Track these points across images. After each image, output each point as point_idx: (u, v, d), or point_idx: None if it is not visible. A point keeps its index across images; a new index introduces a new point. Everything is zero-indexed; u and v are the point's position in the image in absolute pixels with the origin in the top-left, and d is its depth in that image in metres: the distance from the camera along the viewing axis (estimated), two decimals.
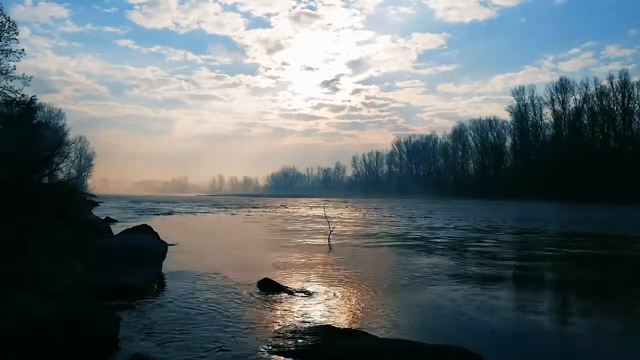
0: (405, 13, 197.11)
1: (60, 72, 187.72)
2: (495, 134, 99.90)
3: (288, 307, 5.67)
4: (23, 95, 28.59)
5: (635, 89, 75.31)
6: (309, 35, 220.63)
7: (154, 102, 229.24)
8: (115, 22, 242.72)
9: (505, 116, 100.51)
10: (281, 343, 4.20)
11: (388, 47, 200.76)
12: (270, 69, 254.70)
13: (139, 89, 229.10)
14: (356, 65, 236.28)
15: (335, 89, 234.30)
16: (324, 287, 6.82)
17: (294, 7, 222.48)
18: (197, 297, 6.07)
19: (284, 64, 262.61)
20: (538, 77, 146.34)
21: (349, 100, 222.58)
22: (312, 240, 14.06)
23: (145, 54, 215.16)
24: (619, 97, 76.25)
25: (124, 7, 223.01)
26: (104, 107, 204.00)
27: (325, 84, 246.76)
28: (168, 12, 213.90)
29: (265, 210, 39.31)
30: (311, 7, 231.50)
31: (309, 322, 4.92)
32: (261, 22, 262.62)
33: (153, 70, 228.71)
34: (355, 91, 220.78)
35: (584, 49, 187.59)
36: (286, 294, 6.30)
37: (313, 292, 6.44)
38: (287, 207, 45.04)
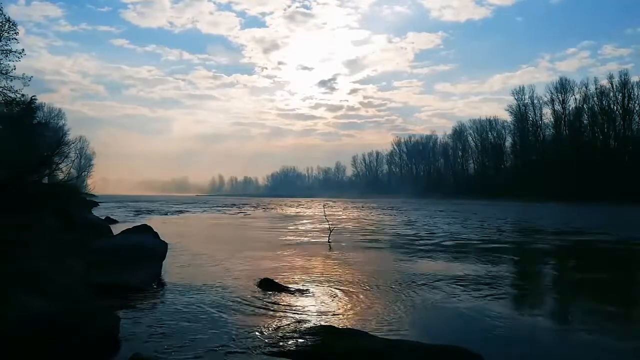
0: (400, 12, 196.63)
1: (56, 72, 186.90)
2: (495, 134, 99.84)
3: (288, 307, 5.66)
4: (23, 95, 28.63)
5: (635, 89, 75.27)
6: (305, 35, 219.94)
7: (151, 101, 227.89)
8: (109, 22, 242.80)
9: (504, 115, 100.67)
10: (281, 343, 4.20)
11: (384, 47, 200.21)
12: (266, 68, 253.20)
13: (135, 89, 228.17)
14: (353, 64, 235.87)
15: (333, 89, 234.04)
16: (324, 287, 6.82)
17: (289, 7, 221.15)
18: (197, 297, 6.07)
19: (280, 63, 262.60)
20: (535, 76, 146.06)
21: (347, 100, 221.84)
22: (312, 239, 14.06)
23: (140, 53, 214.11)
24: (619, 97, 76.21)
25: (118, 7, 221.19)
26: (101, 107, 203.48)
27: (322, 83, 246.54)
28: (162, 12, 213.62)
29: (265, 210, 39.31)
30: (306, 7, 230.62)
31: (309, 322, 4.92)
32: (256, 22, 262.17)
33: (149, 69, 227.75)
34: (353, 91, 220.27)
35: (581, 48, 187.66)
36: (286, 294, 6.30)
37: (313, 292, 6.45)
38: (287, 207, 45.04)
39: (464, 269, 8.73)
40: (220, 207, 44.55)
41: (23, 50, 28.28)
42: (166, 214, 29.88)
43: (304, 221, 23.83)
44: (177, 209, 37.33)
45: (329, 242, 12.99)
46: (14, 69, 27.76)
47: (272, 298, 6.08)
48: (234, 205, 50.39)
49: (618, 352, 4.42)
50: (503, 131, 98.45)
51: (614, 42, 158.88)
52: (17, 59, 27.89)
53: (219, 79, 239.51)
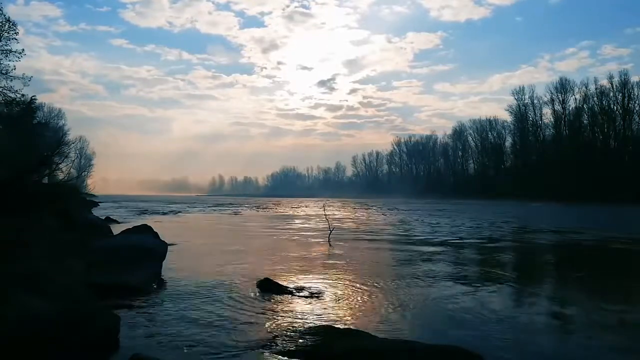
0: (399, 12, 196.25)
1: (56, 72, 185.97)
2: (495, 134, 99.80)
3: (288, 307, 5.67)
4: (23, 95, 28.61)
5: (635, 89, 75.27)
6: (304, 35, 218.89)
7: (150, 101, 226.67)
8: (108, 21, 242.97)
9: (503, 115, 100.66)
10: (281, 343, 4.20)
11: (383, 47, 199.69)
12: (266, 68, 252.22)
13: (135, 89, 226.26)
14: (352, 64, 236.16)
15: (332, 89, 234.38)
16: (324, 287, 6.82)
17: (288, 6, 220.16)
18: (196, 297, 6.07)
19: (279, 63, 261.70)
20: (535, 76, 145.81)
21: (346, 100, 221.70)
22: (312, 239, 14.06)
23: (139, 53, 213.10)
24: (619, 97, 76.22)
25: (117, 6, 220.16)
26: (100, 107, 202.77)
27: (322, 83, 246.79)
28: (161, 11, 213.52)
29: (264, 210, 39.31)
30: (304, 6, 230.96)
31: (309, 322, 4.92)
32: (255, 21, 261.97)
33: (148, 69, 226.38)
34: (352, 91, 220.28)
35: (580, 48, 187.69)
36: (286, 294, 6.30)
37: (313, 292, 6.44)
38: (287, 207, 45.04)
39: (463, 269, 8.73)
40: (220, 207, 44.55)
41: (23, 50, 28.27)
42: (166, 214, 29.88)
43: (304, 221, 23.83)
44: (178, 209, 37.32)
45: (328, 242, 12.99)
46: (14, 69, 27.77)
47: (272, 298, 6.08)
48: (234, 205, 50.39)
49: (618, 351, 4.42)
50: (503, 131, 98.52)
51: (613, 42, 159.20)
52: (17, 59, 27.90)
53: (218, 79, 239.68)
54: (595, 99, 79.29)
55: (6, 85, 27.68)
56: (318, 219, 23.39)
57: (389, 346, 3.90)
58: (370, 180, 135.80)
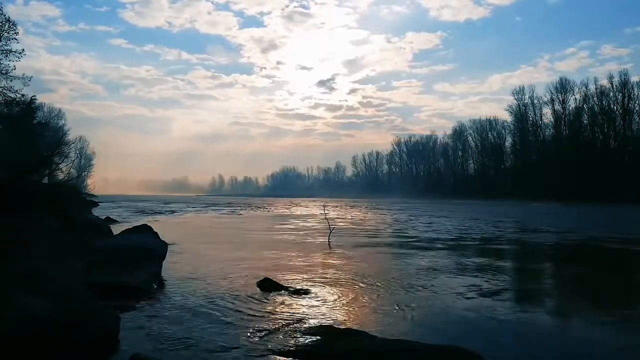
0: (399, 12, 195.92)
1: (55, 72, 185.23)
2: (495, 134, 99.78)
3: (288, 307, 5.67)
4: (23, 95, 28.59)
5: (635, 89, 75.24)
6: (303, 35, 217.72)
7: (150, 101, 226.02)
8: (108, 21, 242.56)
9: (503, 115, 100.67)
10: (281, 343, 4.20)
11: (383, 47, 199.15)
12: (265, 68, 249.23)
13: (134, 89, 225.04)
14: (352, 64, 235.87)
15: (332, 89, 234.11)
16: (324, 287, 6.82)
17: (287, 6, 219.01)
18: (196, 297, 6.07)
19: (279, 63, 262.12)
20: (535, 76, 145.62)
21: (346, 100, 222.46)
22: (312, 239, 14.06)
23: (139, 53, 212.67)
24: (619, 97, 76.19)
25: (116, 6, 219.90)
26: (100, 107, 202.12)
27: (322, 83, 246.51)
28: (160, 11, 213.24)
29: (265, 210, 39.31)
30: (304, 6, 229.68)
31: (309, 322, 4.92)
32: (254, 21, 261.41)
33: (148, 69, 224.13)
34: (352, 91, 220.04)
35: (580, 48, 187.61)
36: (286, 294, 6.30)
37: (313, 292, 6.45)
38: (287, 207, 45.04)
39: (463, 269, 8.73)
40: (220, 207, 44.54)
41: (23, 50, 28.25)
42: (166, 214, 29.88)
43: (304, 221, 23.83)
44: (178, 209, 37.32)
45: (328, 242, 12.98)
46: (14, 69, 27.75)
47: (272, 298, 6.08)
48: (234, 205, 50.39)
49: (618, 349, 4.42)
50: (503, 131, 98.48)
51: (613, 42, 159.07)
52: (17, 59, 27.87)
53: (218, 79, 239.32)
54: (595, 99, 79.35)
55: (6, 85, 27.69)
56: (318, 219, 23.39)
57: (389, 346, 3.90)
58: (370, 180, 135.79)
